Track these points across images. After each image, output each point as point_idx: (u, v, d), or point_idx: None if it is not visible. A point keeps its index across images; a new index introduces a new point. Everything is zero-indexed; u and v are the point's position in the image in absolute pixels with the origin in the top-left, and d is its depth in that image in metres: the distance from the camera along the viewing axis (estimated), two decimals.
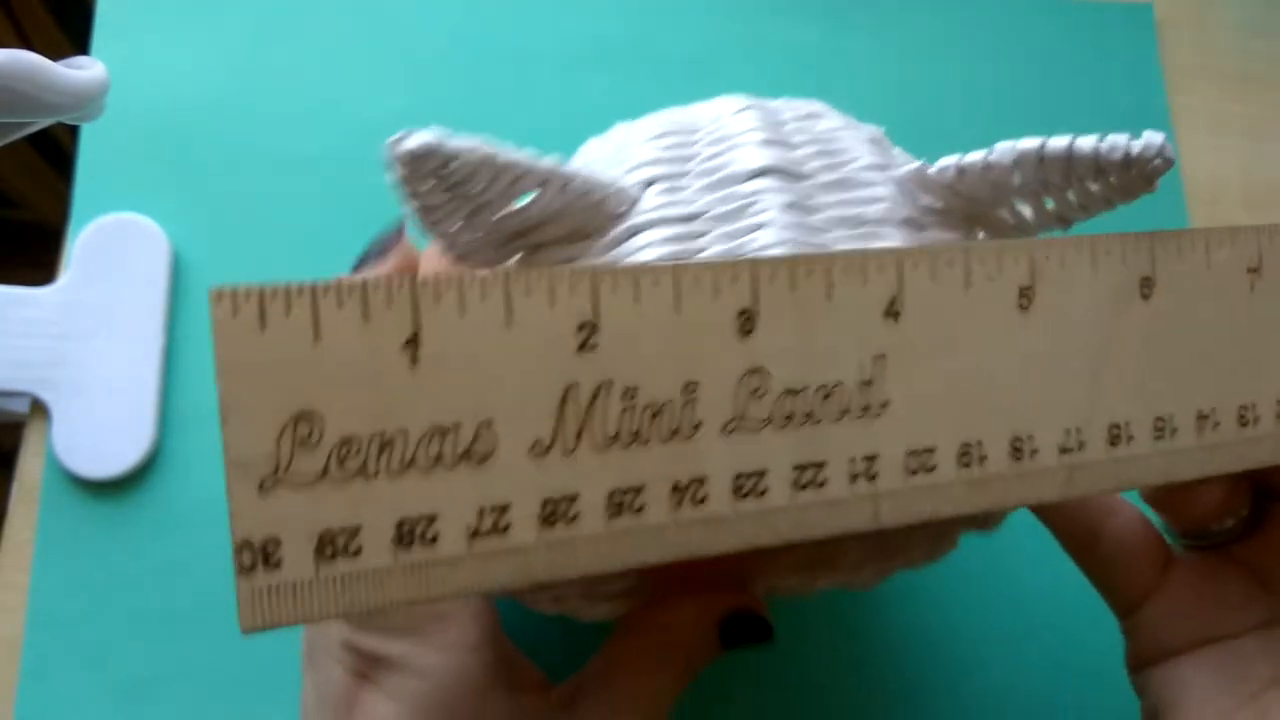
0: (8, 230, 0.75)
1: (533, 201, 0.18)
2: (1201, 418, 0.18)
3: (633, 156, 0.21)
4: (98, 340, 0.30)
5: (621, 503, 0.15)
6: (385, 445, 0.13)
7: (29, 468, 0.30)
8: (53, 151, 0.72)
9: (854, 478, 0.16)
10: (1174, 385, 0.18)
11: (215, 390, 0.31)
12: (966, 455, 0.17)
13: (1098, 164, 0.17)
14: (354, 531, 0.13)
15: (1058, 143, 0.18)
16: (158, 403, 0.30)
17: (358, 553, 0.13)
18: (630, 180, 0.20)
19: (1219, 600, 0.21)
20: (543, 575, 0.14)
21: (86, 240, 0.31)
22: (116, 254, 0.31)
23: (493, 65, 0.35)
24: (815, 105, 0.22)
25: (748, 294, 0.15)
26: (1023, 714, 0.30)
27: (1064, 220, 0.20)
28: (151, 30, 0.34)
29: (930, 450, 0.16)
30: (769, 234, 0.18)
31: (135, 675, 0.28)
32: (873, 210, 0.20)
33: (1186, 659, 0.21)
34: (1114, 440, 0.18)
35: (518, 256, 0.21)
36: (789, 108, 0.22)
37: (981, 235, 0.21)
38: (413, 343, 0.13)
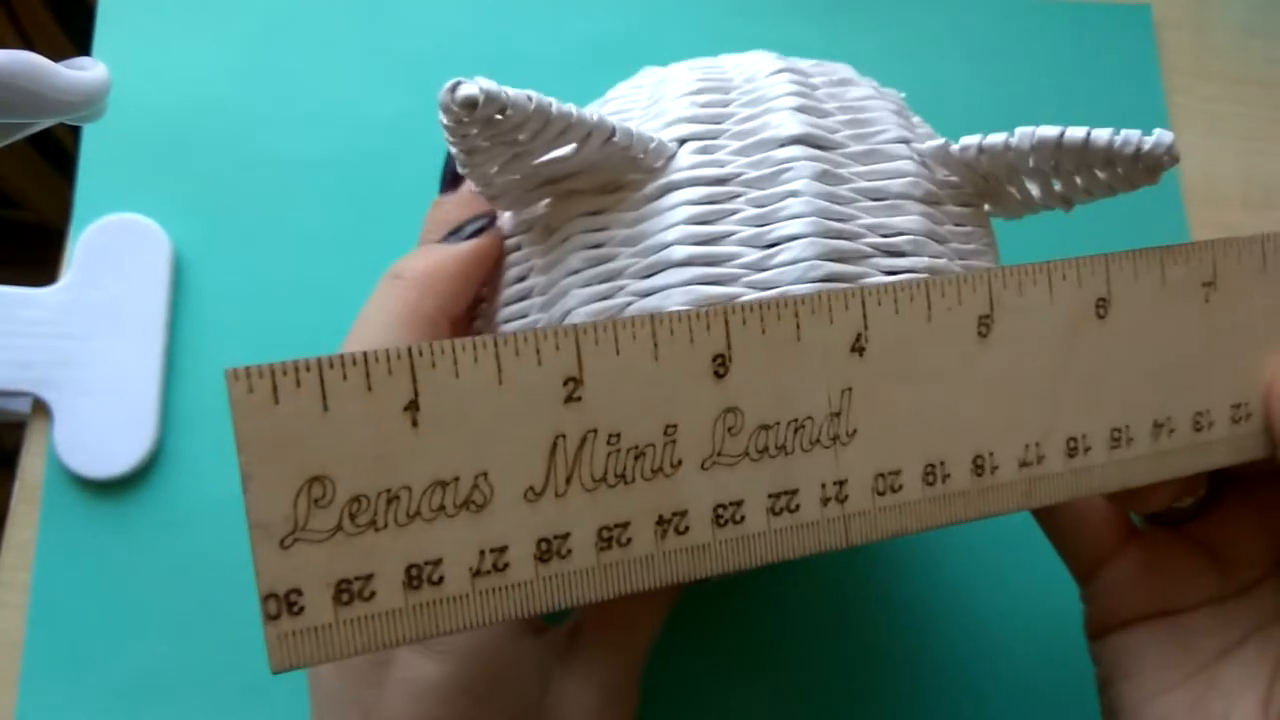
0: (9, 231, 0.75)
1: (574, 151, 0.19)
2: (1157, 426, 0.20)
3: (669, 111, 0.21)
4: (99, 340, 0.31)
5: (610, 537, 0.16)
6: (392, 500, 0.15)
7: (31, 467, 0.30)
8: (54, 152, 0.72)
9: (825, 502, 0.17)
10: (1130, 397, 0.19)
11: (216, 390, 0.32)
12: (931, 475, 0.18)
13: (1109, 155, 0.19)
14: (367, 578, 0.15)
15: (1076, 132, 0.19)
16: (159, 402, 0.31)
17: (371, 597, 0.15)
18: (667, 135, 0.21)
19: (1173, 573, 0.23)
20: (541, 607, 0.16)
21: (88, 240, 0.32)
22: (118, 254, 0.32)
23: (494, 66, 0.35)
24: (844, 70, 0.23)
25: (721, 340, 0.16)
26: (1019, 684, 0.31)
27: (1067, 201, 0.21)
28: (153, 31, 0.34)
29: (896, 472, 0.18)
30: (799, 203, 0.19)
31: (137, 674, 0.29)
32: (896, 184, 0.20)
33: (1139, 629, 0.23)
34: (1071, 452, 0.19)
35: (546, 201, 0.22)
36: (820, 71, 0.22)
37: (987, 208, 0.23)
38: (412, 406, 0.15)
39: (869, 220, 0.20)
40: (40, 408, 0.31)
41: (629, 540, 0.16)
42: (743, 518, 0.17)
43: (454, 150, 0.19)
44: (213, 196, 0.33)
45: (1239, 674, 0.22)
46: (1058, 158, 0.19)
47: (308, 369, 0.14)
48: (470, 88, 0.16)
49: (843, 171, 0.20)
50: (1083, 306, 0.19)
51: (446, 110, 0.17)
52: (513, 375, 0.15)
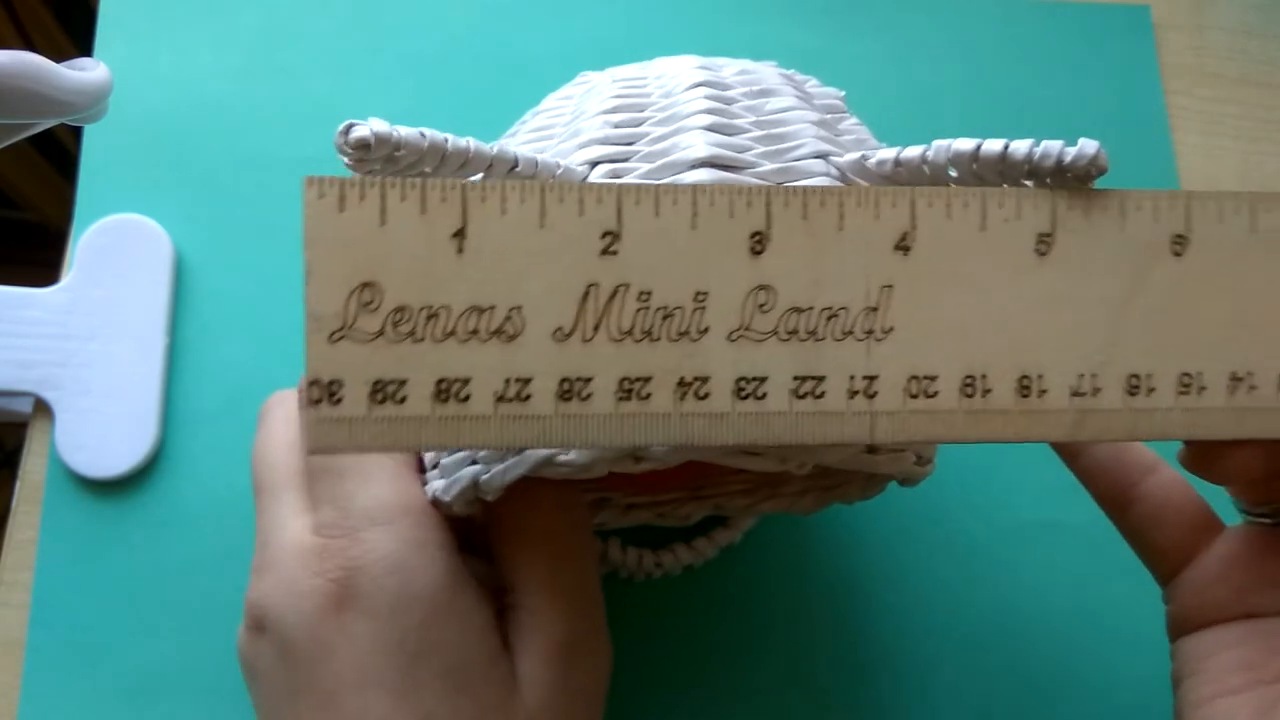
0: (11, 231, 0.75)
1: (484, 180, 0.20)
2: (1235, 379, 0.18)
3: (584, 131, 0.22)
4: (101, 340, 0.31)
5: (631, 389, 0.17)
6: (431, 316, 0.16)
7: (32, 467, 0.30)
8: (56, 153, 0.72)
9: (853, 394, 0.17)
10: (1205, 344, 0.18)
11: (217, 390, 0.32)
12: (970, 386, 0.18)
13: (1031, 168, 0.18)
14: (401, 383, 0.16)
15: (993, 145, 0.18)
16: (160, 402, 0.31)
17: (403, 401, 0.16)
18: (579, 159, 0.21)
19: (1263, 576, 0.21)
20: (557, 442, 0.17)
21: (89, 241, 0.32)
22: (119, 255, 0.32)
23: (493, 68, 0.36)
24: (769, 75, 0.23)
25: (761, 218, 0.17)
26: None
27: None
28: (154, 32, 0.35)
29: (932, 378, 0.18)
30: None
31: (138, 674, 0.29)
32: None
33: (1216, 630, 0.21)
34: (1133, 390, 0.18)
35: None
36: (742, 80, 0.23)
37: None
38: (460, 234, 0.16)
39: None
40: (42, 408, 0.31)
41: (649, 395, 0.17)
42: (765, 394, 0.17)
43: None
44: (214, 197, 0.33)
45: None
46: (979, 170, 0.18)
47: (371, 185, 0.16)
48: (362, 129, 0.17)
49: None
50: (1157, 240, 0.18)
51: (342, 152, 0.17)
52: (555, 220, 0.17)
